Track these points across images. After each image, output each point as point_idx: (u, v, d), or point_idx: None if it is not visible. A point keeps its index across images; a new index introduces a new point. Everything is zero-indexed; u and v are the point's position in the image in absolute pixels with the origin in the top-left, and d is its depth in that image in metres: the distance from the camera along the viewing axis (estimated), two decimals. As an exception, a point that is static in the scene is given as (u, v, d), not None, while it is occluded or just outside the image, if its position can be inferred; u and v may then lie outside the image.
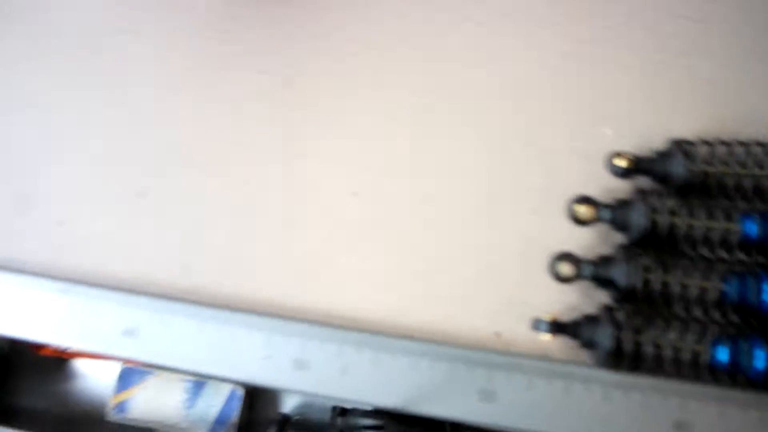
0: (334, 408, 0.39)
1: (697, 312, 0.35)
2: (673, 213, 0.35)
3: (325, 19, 0.44)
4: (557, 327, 0.35)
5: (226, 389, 0.43)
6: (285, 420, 0.42)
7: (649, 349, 0.34)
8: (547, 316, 0.35)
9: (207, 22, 0.45)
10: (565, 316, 0.36)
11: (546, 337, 0.35)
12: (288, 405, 0.44)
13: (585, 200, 0.36)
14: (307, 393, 0.36)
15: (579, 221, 0.36)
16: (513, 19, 0.42)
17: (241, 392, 0.43)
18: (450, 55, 0.42)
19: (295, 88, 0.43)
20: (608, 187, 0.39)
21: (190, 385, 0.43)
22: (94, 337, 0.38)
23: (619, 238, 0.37)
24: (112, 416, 0.43)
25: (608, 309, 0.34)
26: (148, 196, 0.42)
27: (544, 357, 0.36)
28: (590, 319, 0.35)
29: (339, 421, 0.37)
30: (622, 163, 0.36)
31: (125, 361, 0.44)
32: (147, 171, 0.42)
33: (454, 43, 0.42)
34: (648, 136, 0.39)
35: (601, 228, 0.37)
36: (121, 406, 0.43)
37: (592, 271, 0.35)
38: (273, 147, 0.42)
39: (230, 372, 0.37)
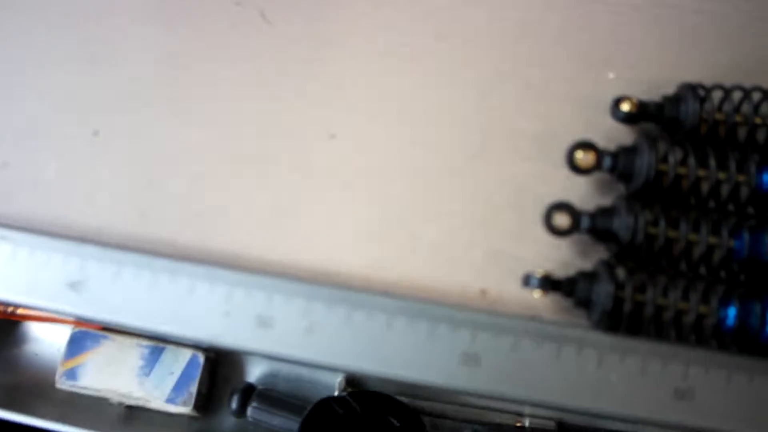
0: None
1: (704, 270, 0.31)
2: (681, 162, 0.31)
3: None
4: (550, 283, 0.31)
5: (186, 355, 0.41)
6: (249, 389, 0.39)
7: (649, 310, 0.30)
8: (539, 272, 0.31)
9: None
10: (559, 273, 0.32)
11: (537, 294, 0.32)
12: (253, 374, 0.41)
13: (585, 146, 0.32)
14: (271, 354, 0.32)
15: (578, 169, 0.33)
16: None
17: (202, 358, 0.40)
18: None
19: (272, 22, 0.39)
20: (609, 135, 0.35)
21: (147, 351, 0.41)
22: (36, 290, 0.34)
23: (619, 189, 0.34)
24: (61, 384, 0.40)
25: (607, 265, 0.31)
26: (103, 136, 0.38)
27: (534, 317, 0.32)
28: (587, 276, 0.31)
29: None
30: (626, 107, 0.33)
31: (75, 321, 0.41)
32: (105, 109, 0.39)
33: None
34: (655, 82, 0.36)
35: (601, 177, 0.34)
36: (70, 373, 0.40)
37: (590, 223, 0.32)
38: (245, 83, 0.38)
39: (186, 330, 0.33)
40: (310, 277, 0.33)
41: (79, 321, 0.40)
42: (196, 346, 0.40)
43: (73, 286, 0.34)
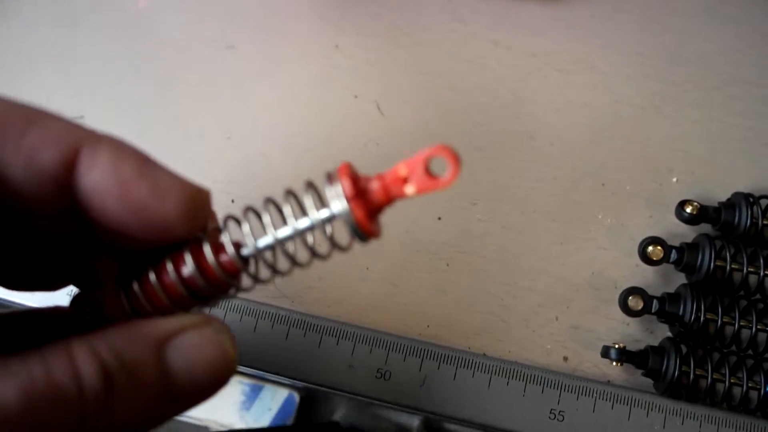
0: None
1: (750, 351, 0.38)
2: (734, 259, 0.38)
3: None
4: (625, 355, 0.38)
5: (283, 394, 0.45)
6: (335, 426, 0.44)
7: (707, 382, 0.37)
8: (616, 345, 0.38)
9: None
10: (629, 346, 0.39)
11: (614, 364, 0.38)
12: (339, 413, 0.46)
13: (656, 241, 0.39)
14: (390, 402, 0.38)
15: (648, 260, 0.39)
16: (596, 71, 0.46)
17: (297, 397, 0.44)
18: (531, 97, 0.46)
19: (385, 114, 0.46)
20: (670, 230, 0.42)
21: (248, 388, 0.45)
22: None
23: (678, 277, 0.41)
24: None
25: (674, 342, 0.38)
26: (237, 203, 0.45)
27: (608, 383, 0.39)
28: (655, 350, 0.38)
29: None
30: (689, 209, 0.40)
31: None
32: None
33: (535, 87, 0.46)
34: (710, 188, 0.43)
35: (664, 267, 0.41)
36: None
37: (658, 306, 0.38)
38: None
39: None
40: (422, 339, 0.40)
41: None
42: (291, 386, 0.46)
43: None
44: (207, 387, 0.21)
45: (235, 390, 0.46)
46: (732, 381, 0.37)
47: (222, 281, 0.22)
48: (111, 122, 0.47)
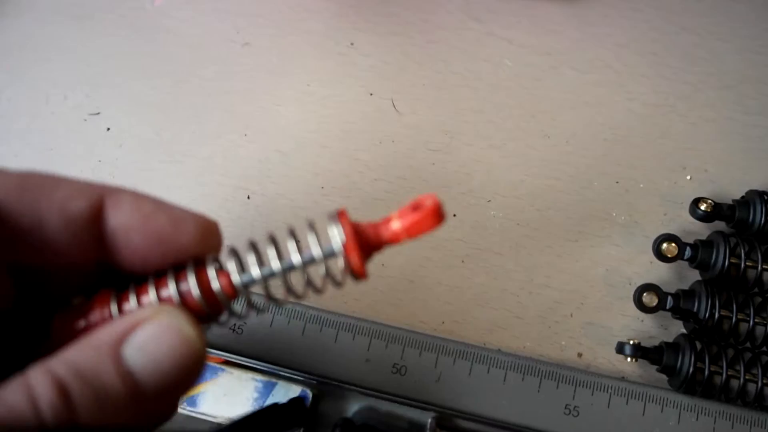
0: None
1: (765, 348, 0.38)
2: (748, 257, 0.38)
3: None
4: (639, 351, 0.38)
5: (295, 390, 0.45)
6: (347, 422, 0.45)
7: (722, 378, 0.37)
8: (631, 341, 0.38)
9: None
10: (643, 343, 0.39)
11: (628, 360, 0.38)
12: (351, 409, 0.47)
13: (671, 239, 0.39)
14: (405, 397, 0.39)
15: (663, 257, 0.39)
16: (610, 70, 0.46)
17: (310, 394, 0.45)
18: (546, 96, 0.46)
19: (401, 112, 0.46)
20: (684, 228, 0.42)
21: (261, 385, 0.45)
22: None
23: (692, 274, 0.41)
24: (182, 409, 0.44)
25: (689, 339, 0.38)
26: (254, 199, 0.45)
27: (623, 379, 0.39)
28: (670, 347, 0.38)
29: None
30: (704, 207, 0.40)
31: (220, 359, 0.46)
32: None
33: (550, 86, 0.46)
34: (723, 185, 0.43)
35: (678, 264, 0.41)
36: (191, 400, 0.44)
37: (673, 303, 0.39)
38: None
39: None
40: (437, 335, 0.40)
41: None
42: (304, 382, 0.46)
43: (235, 329, 0.41)
44: (178, 376, 0.21)
45: (248, 386, 0.46)
46: (747, 377, 0.37)
47: (217, 301, 0.23)
48: (127, 119, 0.47)
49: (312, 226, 0.23)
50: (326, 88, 0.47)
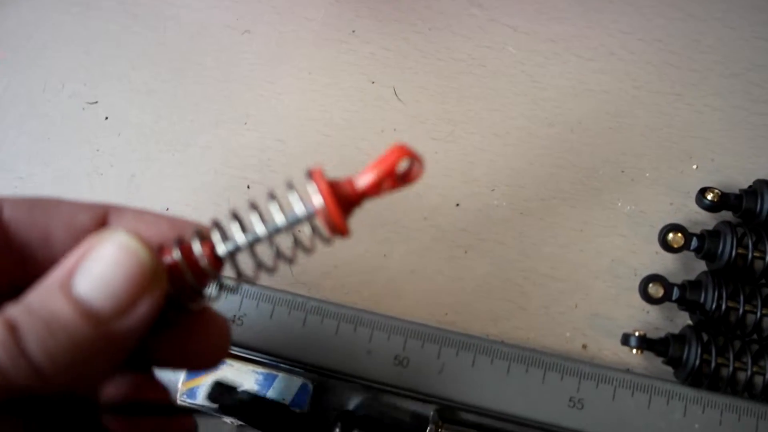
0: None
1: (772, 339, 0.38)
2: (755, 247, 0.38)
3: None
4: (645, 342, 0.38)
5: (297, 382, 0.45)
6: (348, 415, 0.44)
7: (728, 371, 0.36)
8: (636, 332, 0.38)
9: None
10: (649, 334, 0.38)
11: (634, 351, 0.38)
12: (352, 401, 0.46)
13: (678, 229, 0.39)
14: (410, 391, 0.38)
15: (668, 247, 0.39)
16: (615, 57, 0.45)
17: (311, 386, 0.45)
18: (550, 83, 0.45)
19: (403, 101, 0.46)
20: (690, 218, 0.42)
21: (261, 377, 0.44)
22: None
23: (698, 264, 0.40)
24: (181, 401, 0.44)
25: (695, 330, 0.37)
26: (252, 188, 0.44)
27: (628, 371, 0.39)
28: (676, 338, 0.38)
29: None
30: (710, 197, 0.39)
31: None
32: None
33: (554, 73, 0.45)
34: (730, 175, 0.42)
35: (684, 254, 0.40)
36: (190, 392, 0.44)
37: (679, 294, 0.38)
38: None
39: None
40: (440, 326, 0.39)
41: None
42: (304, 375, 0.46)
43: (235, 320, 0.40)
44: (131, 291, 0.21)
45: (248, 379, 0.46)
46: (754, 370, 0.36)
47: (204, 273, 0.23)
48: (125, 108, 0.47)
49: (290, 186, 0.23)
50: (327, 76, 0.47)
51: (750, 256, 0.38)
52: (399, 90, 0.46)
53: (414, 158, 0.22)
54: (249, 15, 0.49)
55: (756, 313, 0.37)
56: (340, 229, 0.23)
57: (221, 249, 0.23)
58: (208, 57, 0.48)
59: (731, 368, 0.36)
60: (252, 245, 0.23)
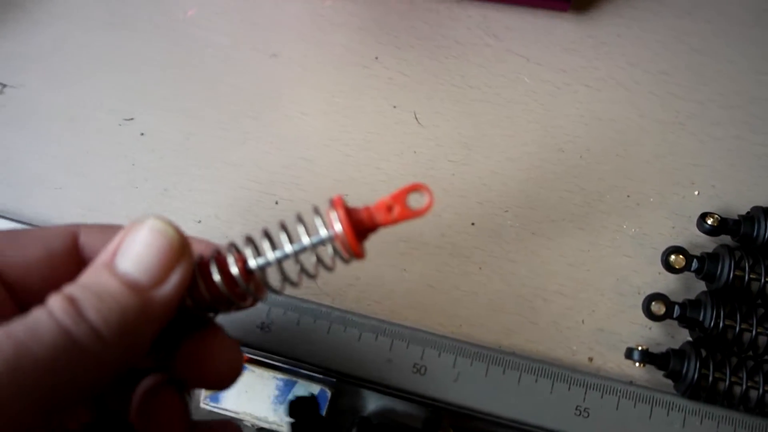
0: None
1: (767, 357, 0.40)
2: (752, 270, 0.40)
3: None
4: (647, 356, 0.40)
5: (315, 389, 0.47)
6: (365, 422, 0.46)
7: (724, 384, 0.39)
8: (639, 347, 0.40)
9: None
10: (651, 349, 0.41)
11: (637, 365, 0.40)
12: (369, 408, 0.48)
13: (678, 250, 0.41)
14: (424, 397, 0.41)
15: (671, 268, 0.42)
16: (622, 87, 0.48)
17: (329, 393, 0.46)
18: (561, 111, 0.48)
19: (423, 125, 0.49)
20: (691, 241, 0.45)
21: (282, 383, 0.46)
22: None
23: (698, 285, 0.43)
24: (205, 404, 0.46)
25: (694, 346, 0.40)
26: (282, 204, 0.47)
27: (631, 383, 0.41)
28: (676, 353, 0.40)
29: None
30: (710, 221, 0.42)
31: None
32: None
33: (565, 102, 0.48)
34: (730, 201, 0.45)
35: (685, 275, 0.43)
36: (214, 396, 0.46)
37: (680, 312, 0.41)
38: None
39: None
40: (455, 337, 0.42)
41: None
42: (323, 381, 0.48)
43: (263, 327, 0.43)
44: (163, 264, 0.25)
45: (268, 384, 0.47)
46: (749, 384, 0.39)
47: (239, 287, 0.27)
48: (159, 125, 0.50)
49: (316, 212, 0.27)
50: (350, 99, 0.49)
51: (747, 277, 0.40)
52: (419, 114, 0.49)
53: (425, 192, 0.26)
54: (276, 40, 0.52)
55: (751, 332, 0.40)
56: (355, 253, 0.26)
57: (252, 263, 0.27)
58: (238, 78, 0.51)
59: (728, 382, 0.39)
60: (280, 261, 0.27)
